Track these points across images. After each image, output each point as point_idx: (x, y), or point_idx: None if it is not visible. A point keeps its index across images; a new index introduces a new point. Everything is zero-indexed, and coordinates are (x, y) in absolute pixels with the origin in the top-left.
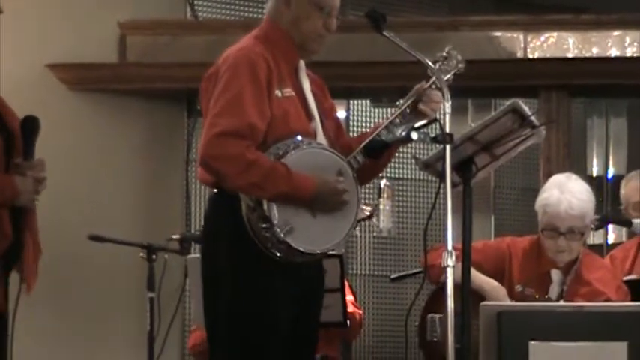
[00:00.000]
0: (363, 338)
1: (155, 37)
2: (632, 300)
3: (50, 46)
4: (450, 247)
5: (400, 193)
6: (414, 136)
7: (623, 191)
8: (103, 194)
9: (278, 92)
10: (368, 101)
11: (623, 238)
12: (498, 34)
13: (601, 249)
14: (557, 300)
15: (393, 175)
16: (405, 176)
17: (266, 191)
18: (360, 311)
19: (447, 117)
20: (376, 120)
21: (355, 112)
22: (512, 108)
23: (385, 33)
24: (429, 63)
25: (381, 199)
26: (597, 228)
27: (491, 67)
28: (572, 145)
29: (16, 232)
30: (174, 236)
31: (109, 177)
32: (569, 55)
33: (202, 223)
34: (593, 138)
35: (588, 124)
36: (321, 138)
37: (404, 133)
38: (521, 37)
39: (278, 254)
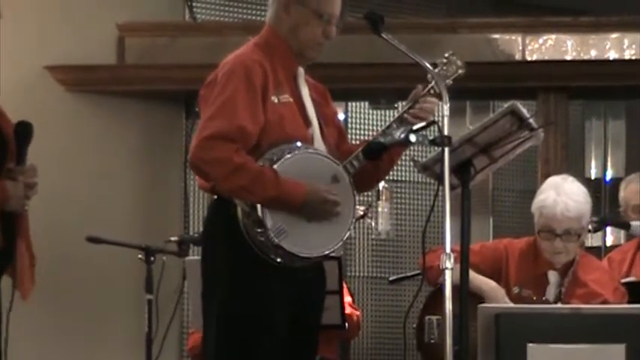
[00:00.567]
0: (361, 340)
1: (153, 38)
2: (631, 302)
3: (49, 48)
4: (448, 250)
5: (398, 196)
6: (413, 138)
7: (622, 194)
8: (102, 196)
9: (274, 98)
10: (366, 103)
11: (622, 241)
12: (497, 36)
13: (599, 251)
14: (555, 301)
15: (391, 178)
16: (404, 178)
17: (254, 195)
18: (358, 312)
19: (446, 119)
20: (374, 122)
21: (353, 114)
22: (511, 110)
23: (383, 35)
24: (429, 67)
25: (380, 202)
26: (595, 230)
27: (489, 69)
28: (570, 147)
29: (6, 237)
30: (172, 238)
31: (107, 178)
32: (568, 58)
33: (201, 226)
34: (592, 140)
35: (587, 126)
36: (318, 144)
37: (402, 136)
38: (519, 39)
39: (278, 260)
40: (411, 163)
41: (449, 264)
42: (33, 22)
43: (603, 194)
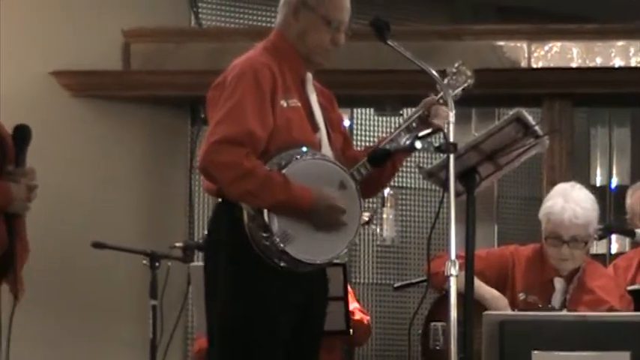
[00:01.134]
0: (366, 347)
1: (159, 44)
2: (636, 310)
3: (54, 54)
4: (453, 257)
5: (403, 202)
6: (418, 145)
7: (629, 201)
8: (106, 201)
9: (283, 102)
10: (371, 110)
11: (627, 248)
12: (502, 43)
13: (604, 259)
14: (560, 308)
15: (396, 184)
16: (409, 185)
17: (262, 200)
18: (368, 317)
19: (451, 126)
20: (380, 128)
21: (358, 121)
22: (516, 117)
23: (389, 42)
24: (436, 75)
25: (385, 208)
26: (600, 238)
27: (494, 76)
28: (575, 154)
29: (9, 239)
30: (177, 244)
31: (112, 184)
32: (573, 65)
33: (206, 230)
34: (597, 147)
35: (592, 134)
36: (326, 149)
37: (408, 142)
38: (525, 46)
39: (282, 264)
40: (417, 170)
41: (454, 271)
42: (39, 27)
43: (608, 202)
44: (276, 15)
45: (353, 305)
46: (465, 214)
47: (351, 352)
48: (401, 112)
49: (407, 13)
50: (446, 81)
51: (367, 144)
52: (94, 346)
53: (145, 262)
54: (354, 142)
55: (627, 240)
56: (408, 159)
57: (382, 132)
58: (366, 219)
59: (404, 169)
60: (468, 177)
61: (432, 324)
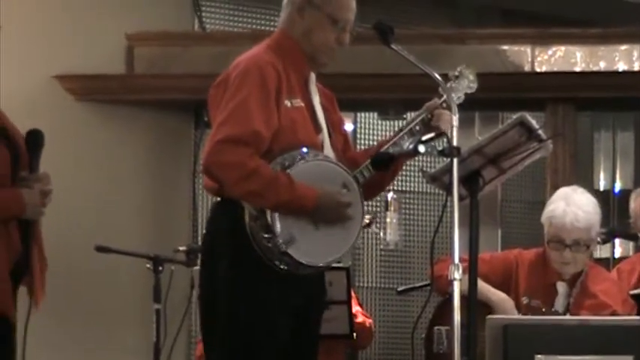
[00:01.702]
0: (369, 351)
1: (163, 48)
2: (639, 314)
3: (58, 58)
4: (456, 261)
5: (407, 206)
6: (421, 148)
7: (632, 205)
8: (110, 205)
9: (287, 102)
10: (375, 114)
11: (630, 252)
12: (506, 47)
13: (608, 263)
14: (563, 312)
15: (399, 188)
16: (412, 189)
17: (266, 200)
18: (370, 320)
19: (455, 130)
20: (383, 132)
21: (362, 125)
22: (520, 121)
23: (393, 46)
24: (439, 79)
25: (388, 212)
26: (604, 242)
27: (498, 80)
28: (579, 158)
29: (23, 245)
30: (180, 248)
31: (116, 188)
32: (577, 69)
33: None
34: (600, 151)
35: (595, 138)
36: (328, 150)
37: (411, 146)
38: (528, 50)
39: (282, 266)
40: (420, 174)
41: (457, 275)
42: (42, 31)
43: (612, 206)
44: (278, 19)
45: (355, 309)
46: (469, 217)
47: (355, 356)
48: (404, 115)
49: (410, 17)
50: (449, 85)
51: (372, 143)
52: (97, 349)
53: (148, 265)
54: (358, 146)
55: (631, 244)
56: (412, 163)
57: (386, 136)
58: (367, 222)
59: (407, 173)
60: (471, 181)
61: (436, 328)
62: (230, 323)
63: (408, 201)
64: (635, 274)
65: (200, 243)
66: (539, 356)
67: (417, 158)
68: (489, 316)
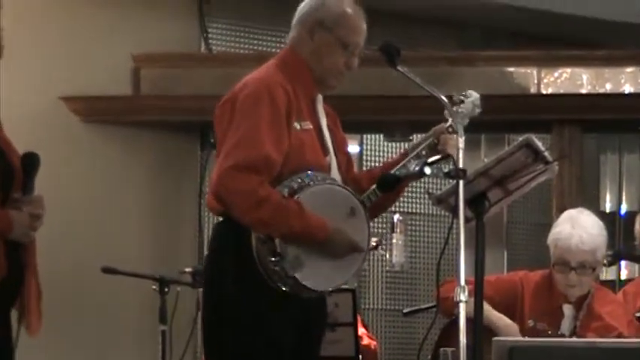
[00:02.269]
0: None
1: (169, 69)
2: None
3: (64, 79)
4: (462, 283)
5: (413, 228)
6: (428, 171)
7: (638, 227)
8: (116, 226)
9: (297, 124)
10: (381, 136)
11: (636, 274)
12: (512, 69)
13: (614, 285)
14: (570, 335)
15: (405, 210)
16: (418, 211)
17: (276, 229)
18: (375, 342)
19: (460, 152)
20: (389, 154)
21: (368, 147)
22: (526, 143)
23: (399, 68)
24: (447, 102)
25: (394, 234)
26: (610, 264)
27: (504, 102)
28: (585, 180)
29: (13, 267)
30: (186, 269)
31: (122, 209)
32: (583, 91)
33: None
34: (606, 173)
35: (601, 160)
36: (335, 172)
37: (417, 168)
38: (534, 72)
39: (284, 288)
40: (426, 196)
41: (463, 297)
42: (48, 52)
43: (618, 228)
44: (285, 41)
45: (360, 331)
46: (475, 239)
47: None
48: (410, 137)
49: (417, 39)
50: (454, 109)
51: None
52: None
53: (154, 287)
54: (364, 168)
55: (637, 266)
56: (418, 185)
57: (391, 157)
58: (374, 244)
59: (413, 195)
60: (477, 203)
61: (442, 350)
62: (233, 339)
63: (414, 223)
64: None
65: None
66: None
67: (423, 180)
68: (495, 338)
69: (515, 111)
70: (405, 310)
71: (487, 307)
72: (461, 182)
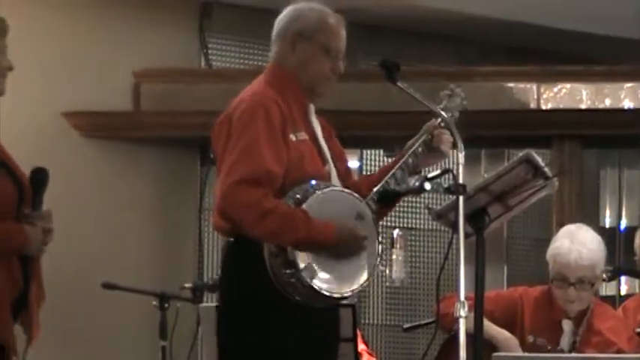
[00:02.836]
0: None
1: (169, 85)
2: None
3: (65, 94)
4: (462, 298)
5: (413, 243)
6: (427, 186)
7: (637, 242)
8: (116, 242)
9: (292, 136)
10: (381, 151)
11: (636, 290)
12: (511, 84)
13: (614, 300)
14: (569, 350)
15: (405, 225)
16: (418, 226)
17: (285, 238)
18: (375, 358)
19: (461, 167)
20: None
21: (368, 162)
22: (526, 158)
23: (399, 83)
24: (443, 114)
25: (394, 249)
26: (610, 279)
27: (504, 117)
28: (585, 195)
29: (24, 281)
30: (186, 285)
31: (122, 224)
32: (583, 106)
33: (217, 272)
34: (606, 189)
35: (601, 175)
36: (335, 180)
37: (417, 184)
38: (534, 87)
39: (297, 298)
40: (426, 211)
41: (463, 312)
42: (50, 68)
43: (618, 243)
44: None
45: (360, 347)
46: (475, 255)
47: None
48: (407, 145)
49: (416, 54)
50: (442, 105)
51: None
52: None
53: (154, 302)
54: None
55: (637, 281)
56: (418, 200)
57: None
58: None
59: (413, 210)
60: (477, 218)
61: None
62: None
63: (413, 238)
64: None
65: (208, 281)
66: None
67: (423, 195)
68: (495, 354)
69: (514, 126)
70: (405, 326)
71: (487, 322)
72: (461, 198)
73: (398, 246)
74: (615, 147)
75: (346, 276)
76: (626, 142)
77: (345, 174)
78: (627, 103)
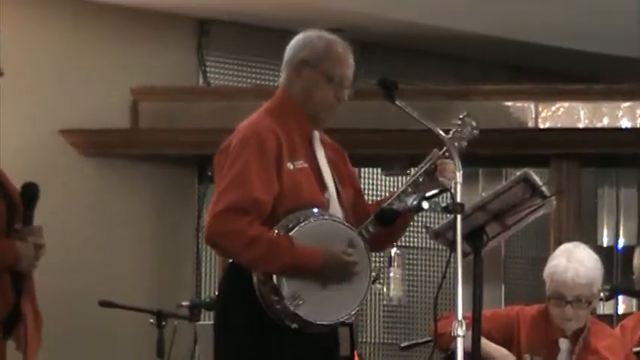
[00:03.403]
0: None
1: (167, 103)
2: None
3: (63, 112)
4: (460, 317)
5: (411, 262)
6: (425, 205)
7: (636, 261)
8: (114, 260)
9: (290, 165)
10: (379, 169)
11: (634, 309)
12: (510, 103)
13: (611, 319)
14: None
15: (403, 244)
16: (416, 245)
17: (271, 265)
18: None
19: (458, 186)
20: (387, 188)
21: (366, 181)
22: (524, 177)
23: (397, 102)
24: (443, 135)
25: (392, 268)
26: (607, 298)
27: (502, 136)
28: (582, 214)
29: (16, 297)
30: (184, 303)
31: (119, 242)
32: (580, 125)
33: (213, 291)
34: (604, 208)
35: (599, 194)
36: (335, 208)
37: (415, 202)
38: (532, 106)
39: (293, 325)
40: (424, 230)
41: (461, 331)
42: (47, 85)
43: (615, 262)
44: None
45: None
46: (472, 274)
47: None
48: (408, 171)
49: (414, 73)
50: (451, 133)
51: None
52: None
53: (151, 320)
54: None
55: (634, 300)
56: (415, 219)
57: (390, 192)
58: (372, 278)
59: (411, 229)
60: (475, 237)
61: None
62: None
63: (411, 257)
64: (639, 331)
65: (205, 299)
66: None
67: (420, 214)
68: None
69: (512, 145)
70: (402, 345)
71: (484, 340)
72: (459, 216)
73: (396, 264)
74: (613, 166)
75: (335, 303)
76: (623, 161)
77: (355, 197)
78: (625, 123)
